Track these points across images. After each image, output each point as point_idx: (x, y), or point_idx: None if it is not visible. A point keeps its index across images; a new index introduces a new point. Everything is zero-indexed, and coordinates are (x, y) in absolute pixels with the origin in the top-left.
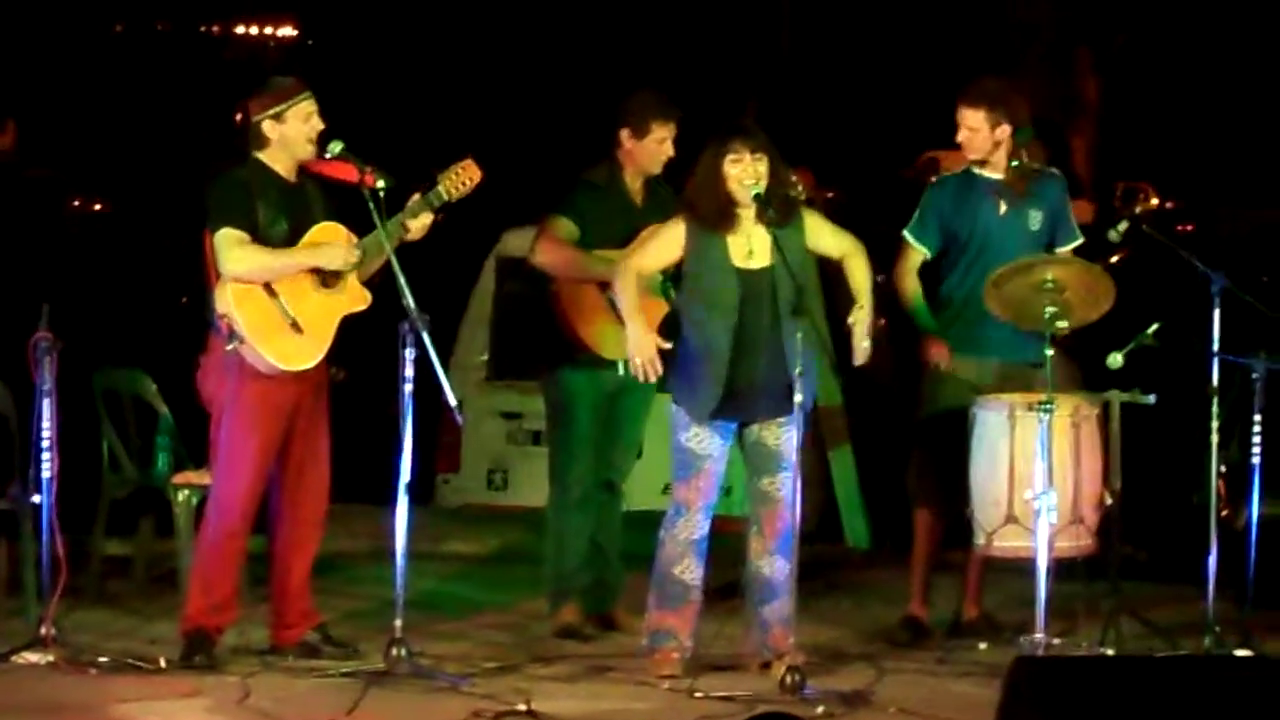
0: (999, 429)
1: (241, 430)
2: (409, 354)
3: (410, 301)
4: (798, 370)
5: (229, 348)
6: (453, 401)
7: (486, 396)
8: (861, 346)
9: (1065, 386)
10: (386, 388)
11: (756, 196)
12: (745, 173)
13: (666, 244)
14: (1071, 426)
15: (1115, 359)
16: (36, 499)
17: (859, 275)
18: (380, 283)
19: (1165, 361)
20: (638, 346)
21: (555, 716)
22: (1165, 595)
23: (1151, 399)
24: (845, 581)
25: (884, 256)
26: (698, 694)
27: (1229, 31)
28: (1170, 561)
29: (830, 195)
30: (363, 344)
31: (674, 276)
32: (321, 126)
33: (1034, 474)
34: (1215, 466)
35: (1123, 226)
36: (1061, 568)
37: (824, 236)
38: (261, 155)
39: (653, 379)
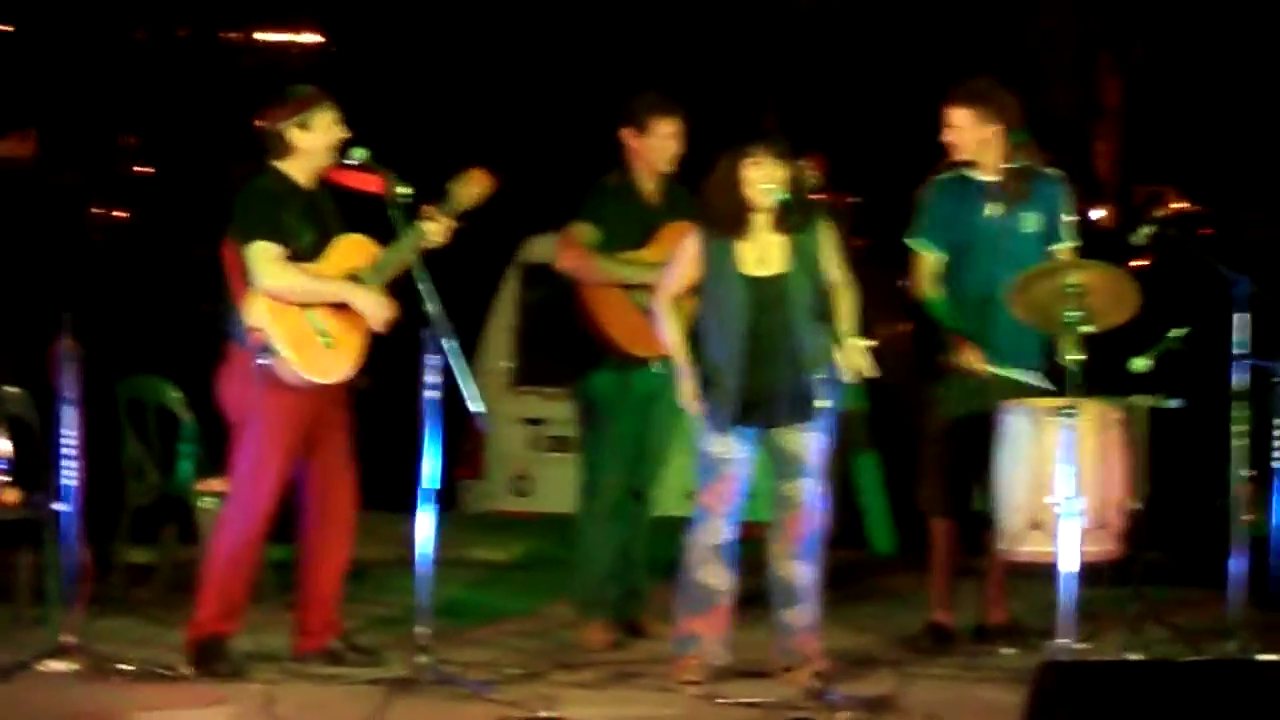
0: (1023, 434)
1: (264, 439)
2: (433, 361)
3: (433, 308)
4: (819, 375)
5: (261, 361)
6: (477, 409)
7: (509, 403)
8: (861, 367)
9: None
10: (410, 395)
11: (782, 202)
12: (765, 177)
13: (685, 262)
14: (1096, 431)
15: (1141, 363)
16: (60, 507)
17: (843, 308)
18: (404, 289)
19: (1190, 365)
20: (687, 391)
21: None
22: (1188, 599)
23: (1175, 403)
24: (869, 587)
25: (907, 262)
26: (720, 700)
27: (1251, 36)
28: (1193, 565)
29: (851, 200)
30: (387, 351)
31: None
32: (344, 135)
33: (1057, 479)
34: (1238, 470)
35: (1147, 231)
36: (1085, 572)
37: (829, 254)
38: (281, 164)
39: None
